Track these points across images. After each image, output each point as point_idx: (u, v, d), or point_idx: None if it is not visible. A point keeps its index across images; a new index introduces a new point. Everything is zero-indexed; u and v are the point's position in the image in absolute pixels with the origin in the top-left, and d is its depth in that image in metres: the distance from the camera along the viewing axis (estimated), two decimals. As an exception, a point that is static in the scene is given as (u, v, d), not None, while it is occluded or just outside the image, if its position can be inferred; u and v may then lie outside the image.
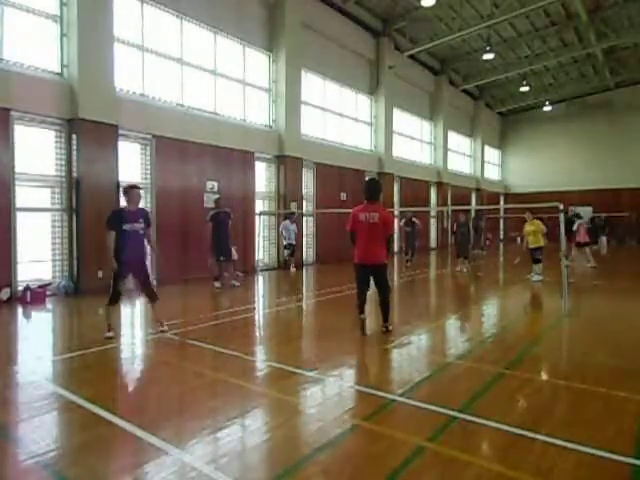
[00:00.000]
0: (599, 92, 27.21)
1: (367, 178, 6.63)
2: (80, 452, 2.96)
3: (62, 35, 9.27)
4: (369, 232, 5.82)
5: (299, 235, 13.83)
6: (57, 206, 9.31)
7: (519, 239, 12.58)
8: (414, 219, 14.78)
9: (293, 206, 14.07)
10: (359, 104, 18.18)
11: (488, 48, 19.10)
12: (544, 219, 11.46)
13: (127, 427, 3.29)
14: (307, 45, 14.96)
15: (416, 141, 22.49)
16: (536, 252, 11.18)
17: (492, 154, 31.06)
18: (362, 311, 6.02)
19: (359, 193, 18.45)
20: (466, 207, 22.52)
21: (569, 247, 12.41)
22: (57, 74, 9.27)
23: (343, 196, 16.75)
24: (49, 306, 8.17)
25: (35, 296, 8.30)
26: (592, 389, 4.03)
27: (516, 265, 13.24)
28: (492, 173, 30.88)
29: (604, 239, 21.71)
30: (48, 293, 8.78)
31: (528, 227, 11.20)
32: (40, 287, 8.59)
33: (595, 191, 27.18)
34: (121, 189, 5.95)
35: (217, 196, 10.61)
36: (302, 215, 14.69)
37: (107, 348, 5.38)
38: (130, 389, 4.27)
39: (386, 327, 6.00)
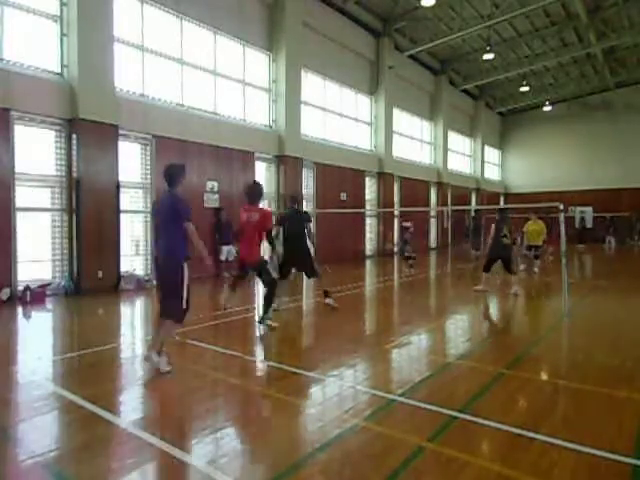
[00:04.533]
0: (599, 92, 27.19)
1: (253, 181, 7.07)
2: (80, 452, 2.96)
3: (62, 35, 9.27)
4: (246, 232, 6.13)
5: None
6: (57, 206, 9.31)
7: (519, 238, 12.67)
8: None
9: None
10: (359, 104, 18.18)
11: (488, 48, 19.10)
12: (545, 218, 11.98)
13: (127, 427, 3.29)
14: (307, 45, 14.96)
15: (416, 141, 22.49)
16: (537, 249, 11.90)
17: (492, 154, 31.05)
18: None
19: (359, 193, 18.49)
20: (466, 207, 22.55)
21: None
22: (57, 74, 9.27)
23: (343, 196, 16.76)
24: (49, 306, 8.16)
25: (35, 296, 8.29)
26: (592, 389, 4.03)
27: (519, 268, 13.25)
28: (492, 173, 30.87)
29: (612, 239, 22.48)
30: (48, 293, 8.78)
31: (531, 226, 11.63)
32: (40, 287, 8.59)
33: (595, 191, 27.18)
34: None
35: (296, 195, 8.17)
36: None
37: (107, 348, 5.38)
38: (130, 389, 4.27)
39: (262, 320, 6.14)
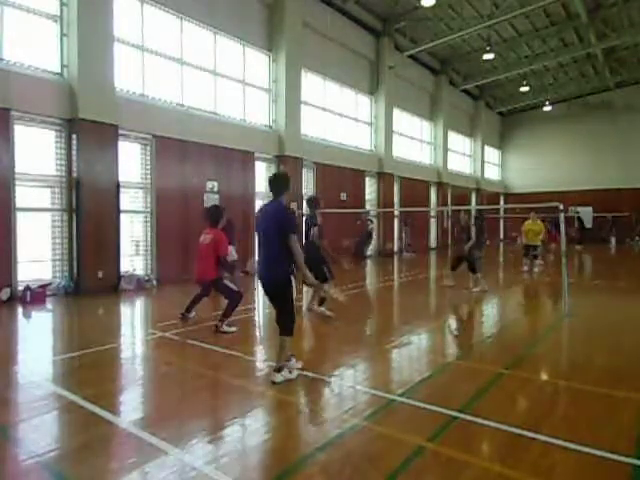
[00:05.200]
0: (599, 92, 27.17)
1: (214, 205, 7.21)
2: (80, 452, 2.96)
3: (62, 35, 9.26)
4: (200, 252, 6.38)
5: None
6: (57, 206, 9.31)
7: (519, 239, 12.77)
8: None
9: (293, 206, 14.07)
10: (359, 104, 18.18)
11: (488, 48, 19.10)
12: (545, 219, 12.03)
13: (127, 427, 3.29)
14: (307, 45, 14.96)
15: (416, 141, 22.49)
16: (535, 249, 11.98)
17: (492, 154, 31.04)
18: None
19: (359, 193, 18.46)
20: (466, 207, 22.53)
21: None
22: (57, 74, 9.27)
23: (343, 196, 16.75)
24: (49, 306, 8.16)
25: (35, 296, 8.29)
26: (592, 389, 4.03)
27: (518, 268, 13.26)
28: (492, 173, 30.87)
29: (613, 239, 22.97)
30: (48, 293, 8.77)
31: (529, 226, 11.65)
32: (40, 287, 8.58)
33: (595, 191, 27.18)
34: None
35: (310, 198, 8.04)
36: (302, 215, 14.70)
37: (107, 348, 5.38)
38: (130, 389, 4.27)
39: (216, 326, 6.09)
